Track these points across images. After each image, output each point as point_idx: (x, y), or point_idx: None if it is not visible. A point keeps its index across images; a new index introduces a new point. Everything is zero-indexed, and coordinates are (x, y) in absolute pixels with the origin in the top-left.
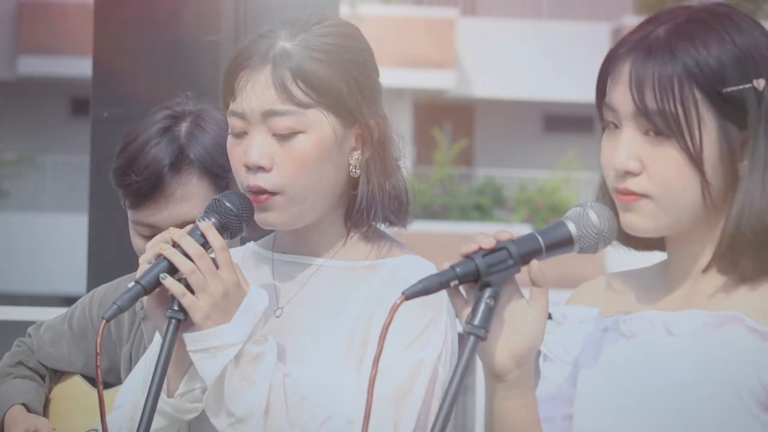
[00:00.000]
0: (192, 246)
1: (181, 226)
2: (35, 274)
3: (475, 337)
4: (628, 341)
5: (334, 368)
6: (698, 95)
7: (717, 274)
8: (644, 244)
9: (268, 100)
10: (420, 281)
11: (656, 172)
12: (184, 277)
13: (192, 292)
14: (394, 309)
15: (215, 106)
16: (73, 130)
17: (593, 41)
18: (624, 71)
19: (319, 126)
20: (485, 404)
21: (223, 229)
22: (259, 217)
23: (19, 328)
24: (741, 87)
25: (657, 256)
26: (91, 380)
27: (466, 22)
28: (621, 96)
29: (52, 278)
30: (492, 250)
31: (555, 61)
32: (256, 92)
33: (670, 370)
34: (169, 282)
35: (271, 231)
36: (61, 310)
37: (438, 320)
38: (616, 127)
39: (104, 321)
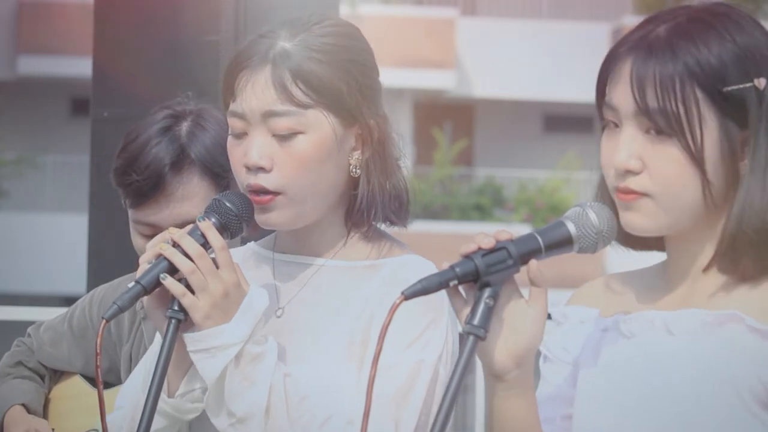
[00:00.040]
0: (192, 246)
1: (182, 225)
2: (35, 274)
3: (474, 337)
4: (628, 341)
5: (334, 368)
6: (699, 94)
7: (717, 274)
8: (643, 243)
9: (267, 101)
10: (419, 281)
11: (657, 171)
12: (184, 277)
13: (192, 292)
14: (393, 309)
15: (215, 106)
16: (73, 130)
17: (593, 41)
18: (625, 70)
19: (319, 126)
20: (485, 404)
21: (224, 229)
22: (260, 218)
23: (19, 328)
24: (742, 86)
25: (656, 257)
26: (91, 380)
27: (466, 22)
28: (622, 95)
29: (52, 278)
30: (491, 250)
31: (555, 61)
32: (256, 93)
33: (670, 369)
34: (169, 282)
35: (272, 231)
36: (61, 310)
37: (439, 320)
38: (617, 126)
39: (104, 321)
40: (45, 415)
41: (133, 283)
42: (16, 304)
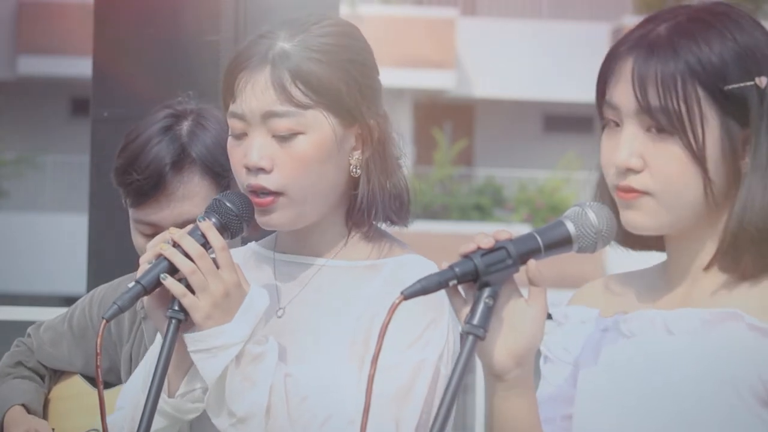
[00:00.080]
0: (192, 246)
1: (183, 224)
2: (35, 274)
3: (473, 337)
4: (628, 341)
5: (335, 368)
6: (701, 92)
7: (718, 272)
8: (643, 243)
9: (267, 102)
10: (419, 281)
11: (658, 169)
12: (184, 277)
13: (192, 292)
14: (393, 309)
15: (216, 105)
16: (73, 130)
17: (593, 41)
18: (626, 69)
19: (319, 127)
20: (485, 404)
21: (224, 229)
22: (261, 220)
23: (19, 328)
24: (743, 84)
25: (656, 257)
26: (91, 380)
27: (466, 22)
28: (623, 93)
29: (52, 278)
30: (491, 250)
31: (555, 61)
32: (256, 93)
33: (670, 369)
34: (169, 282)
35: (273, 231)
36: (61, 310)
37: (440, 320)
38: (617, 125)
39: (104, 321)
40: (45, 415)
41: (133, 283)
42: (16, 304)
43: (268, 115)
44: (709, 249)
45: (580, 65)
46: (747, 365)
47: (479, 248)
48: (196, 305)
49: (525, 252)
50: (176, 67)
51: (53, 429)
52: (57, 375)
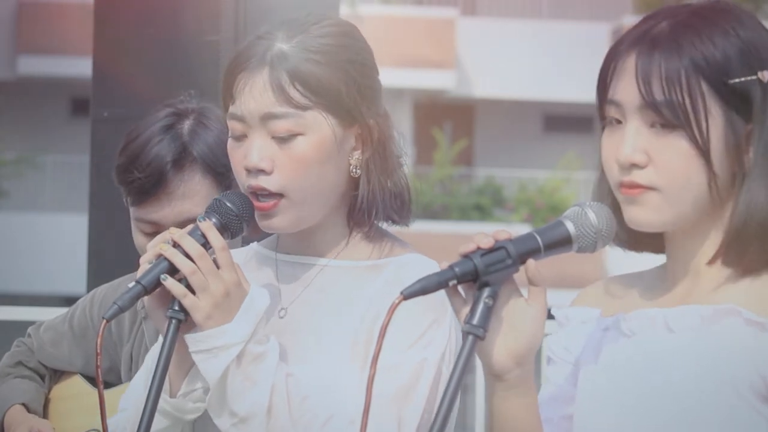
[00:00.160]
0: (193, 246)
1: (184, 223)
2: (35, 274)
3: (473, 337)
4: (629, 340)
5: (337, 368)
6: (705, 87)
7: (719, 269)
8: (642, 244)
9: (266, 103)
10: (418, 281)
11: (663, 164)
12: (184, 277)
13: (193, 292)
14: (392, 309)
15: (216, 105)
16: (73, 130)
17: (593, 41)
18: (628, 65)
19: (318, 127)
20: (486, 404)
21: (224, 229)
22: (263, 223)
23: (19, 328)
24: (746, 79)
25: (656, 257)
26: (92, 380)
27: (466, 22)
28: (626, 89)
29: (52, 278)
30: (490, 250)
31: (555, 61)
32: (254, 95)
33: (670, 367)
34: (170, 283)
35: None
36: (61, 310)
37: (441, 320)
38: (619, 122)
39: (105, 321)
40: (45, 415)
41: (133, 283)
42: (16, 304)
43: (267, 117)
44: (709, 246)
45: (580, 65)
46: (746, 362)
47: (479, 248)
48: (197, 305)
49: (525, 252)
50: (176, 67)
51: (53, 429)
52: (57, 375)
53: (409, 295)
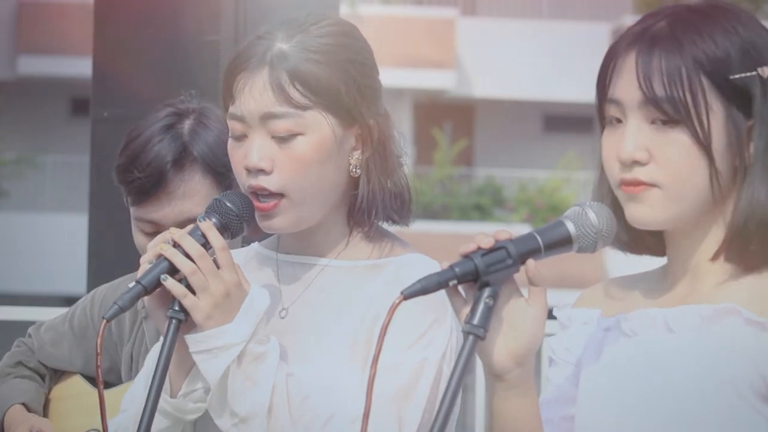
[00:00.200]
0: (193, 246)
1: (184, 223)
2: (35, 274)
3: (473, 337)
4: (630, 340)
5: (337, 368)
6: (705, 82)
7: (720, 267)
8: (643, 246)
9: (266, 103)
10: (419, 281)
11: (665, 161)
12: (185, 277)
13: (193, 292)
14: (393, 309)
15: (216, 105)
16: (73, 130)
17: (593, 41)
18: (628, 63)
19: (318, 127)
20: (486, 404)
21: (224, 229)
22: (263, 224)
23: (19, 328)
24: (746, 75)
25: (656, 258)
26: (92, 380)
27: (466, 22)
28: (626, 87)
29: (52, 278)
30: (491, 250)
31: (555, 61)
32: (254, 95)
33: (670, 367)
34: (170, 283)
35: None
36: (61, 310)
37: (442, 320)
38: (619, 121)
39: (105, 321)
40: (45, 415)
41: (133, 283)
42: (16, 304)
43: (267, 117)
44: (710, 244)
45: (580, 65)
46: (746, 362)
47: (479, 248)
48: (197, 305)
49: (525, 252)
50: (176, 67)
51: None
52: (57, 375)
53: (409, 295)
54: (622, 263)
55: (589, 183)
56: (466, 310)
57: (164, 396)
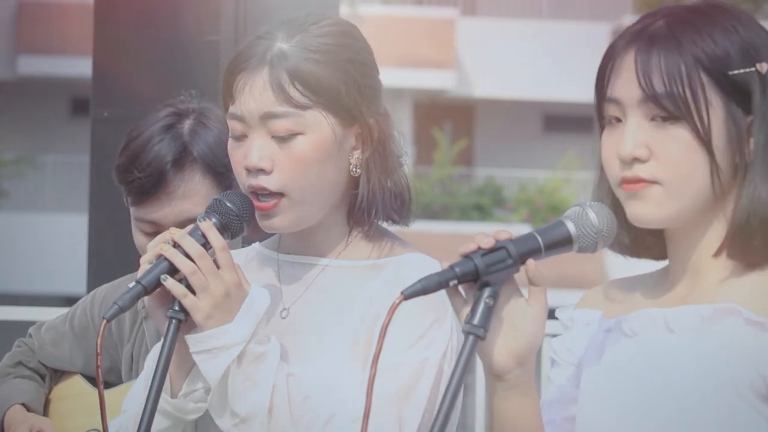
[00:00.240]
0: (193, 246)
1: (184, 223)
2: (35, 274)
3: (474, 337)
4: (630, 340)
5: (338, 368)
6: (704, 78)
7: (721, 264)
8: (644, 249)
9: (266, 103)
10: (419, 281)
11: (665, 157)
12: (185, 277)
13: (193, 292)
14: (393, 309)
15: (216, 105)
16: (73, 130)
17: (593, 41)
18: (627, 61)
19: (318, 127)
20: (487, 404)
21: (224, 229)
22: (264, 223)
23: (19, 328)
24: (745, 70)
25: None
26: (92, 380)
27: (466, 22)
28: (625, 85)
29: (52, 278)
30: (491, 250)
31: (555, 61)
32: (254, 95)
33: (670, 367)
34: (170, 283)
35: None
36: (61, 310)
37: (443, 320)
38: (618, 121)
39: (105, 321)
40: (45, 415)
41: (133, 283)
42: (16, 304)
43: (267, 116)
44: (711, 242)
45: (580, 65)
46: (746, 362)
47: (479, 248)
48: (197, 306)
49: (525, 252)
50: (176, 67)
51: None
52: (58, 375)
53: (409, 295)
54: (622, 263)
55: (589, 183)
56: (466, 310)
57: (165, 396)
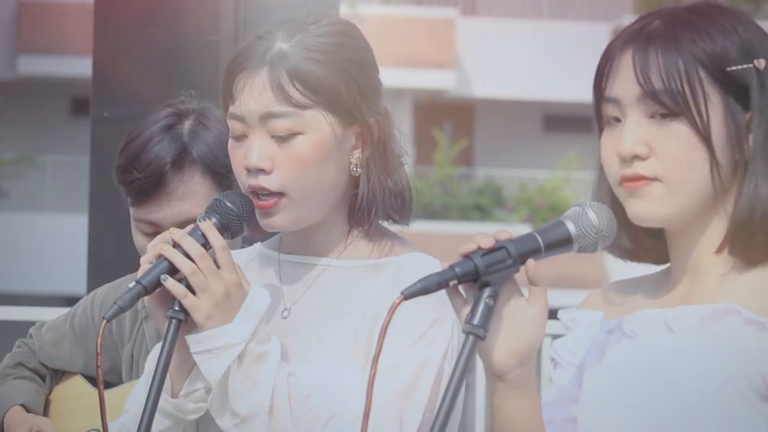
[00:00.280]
0: (193, 246)
1: (183, 223)
2: (35, 274)
3: (474, 337)
4: (631, 341)
5: (338, 368)
6: (703, 74)
7: (722, 262)
8: (644, 251)
9: (265, 103)
10: (419, 281)
11: (665, 154)
12: (185, 277)
13: (193, 292)
14: (393, 309)
15: (216, 105)
16: (73, 130)
17: (593, 41)
18: (625, 60)
19: (318, 127)
20: (487, 404)
21: (224, 229)
22: (264, 222)
23: (19, 328)
24: (743, 66)
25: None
26: (92, 380)
27: (466, 22)
28: (624, 84)
29: (52, 278)
30: (491, 250)
31: (555, 61)
32: (254, 95)
33: (671, 367)
34: (170, 283)
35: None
36: (62, 310)
37: (443, 319)
38: (617, 120)
39: (105, 321)
40: (45, 416)
41: (133, 283)
42: (16, 304)
43: (267, 116)
44: (711, 241)
45: (580, 65)
46: (746, 361)
47: (479, 248)
48: (197, 306)
49: (525, 252)
50: (176, 67)
51: None
52: (58, 375)
53: (409, 295)
54: (622, 264)
55: (589, 183)
56: (467, 310)
57: (165, 396)
